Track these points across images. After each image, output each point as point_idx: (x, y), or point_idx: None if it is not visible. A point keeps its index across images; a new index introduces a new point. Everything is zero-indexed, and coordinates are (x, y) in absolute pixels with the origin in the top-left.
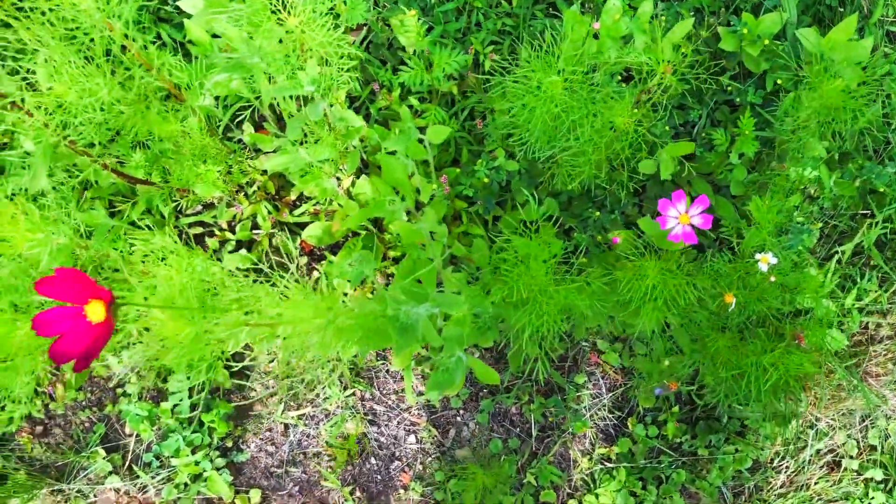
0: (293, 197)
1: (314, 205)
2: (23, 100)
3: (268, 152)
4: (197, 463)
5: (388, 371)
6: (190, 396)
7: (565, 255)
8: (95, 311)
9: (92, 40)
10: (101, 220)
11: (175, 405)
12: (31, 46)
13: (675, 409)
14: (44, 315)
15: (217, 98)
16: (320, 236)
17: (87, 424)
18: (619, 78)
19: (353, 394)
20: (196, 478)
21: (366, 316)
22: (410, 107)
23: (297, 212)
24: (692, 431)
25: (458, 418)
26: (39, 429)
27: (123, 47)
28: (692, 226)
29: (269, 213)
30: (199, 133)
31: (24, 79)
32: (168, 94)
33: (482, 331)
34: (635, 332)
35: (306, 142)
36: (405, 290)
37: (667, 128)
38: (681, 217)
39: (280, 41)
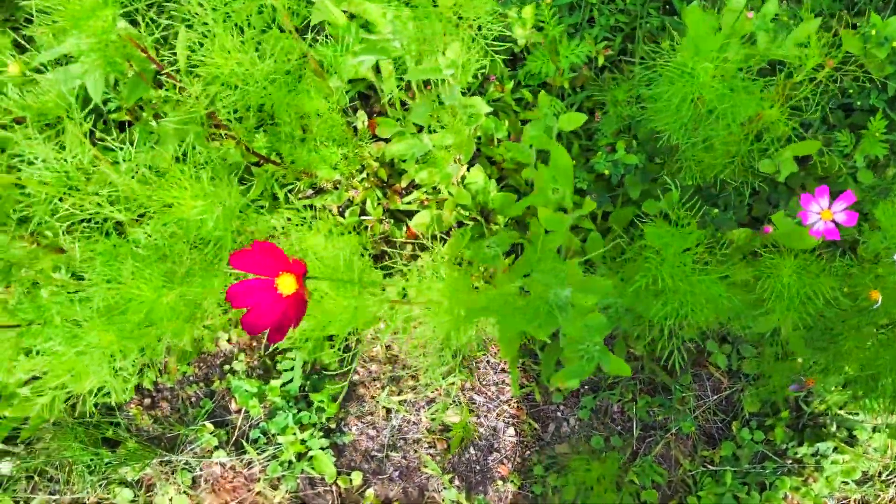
0: (403, 185)
1: (424, 193)
2: (176, 70)
3: (384, 139)
4: (303, 441)
5: (488, 362)
6: (301, 375)
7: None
8: (286, 284)
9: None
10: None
11: (284, 383)
12: (181, 16)
13: (785, 413)
14: (236, 286)
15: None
16: (428, 224)
17: (193, 399)
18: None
19: (453, 383)
20: (301, 456)
21: (502, 298)
22: (520, 99)
23: (406, 199)
24: (799, 438)
25: (559, 413)
26: (148, 401)
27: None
28: (835, 222)
29: (379, 200)
30: (333, 115)
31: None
32: (300, 75)
33: (611, 322)
34: (764, 332)
35: (425, 129)
36: (547, 272)
37: (786, 127)
38: (823, 213)
39: (418, 25)
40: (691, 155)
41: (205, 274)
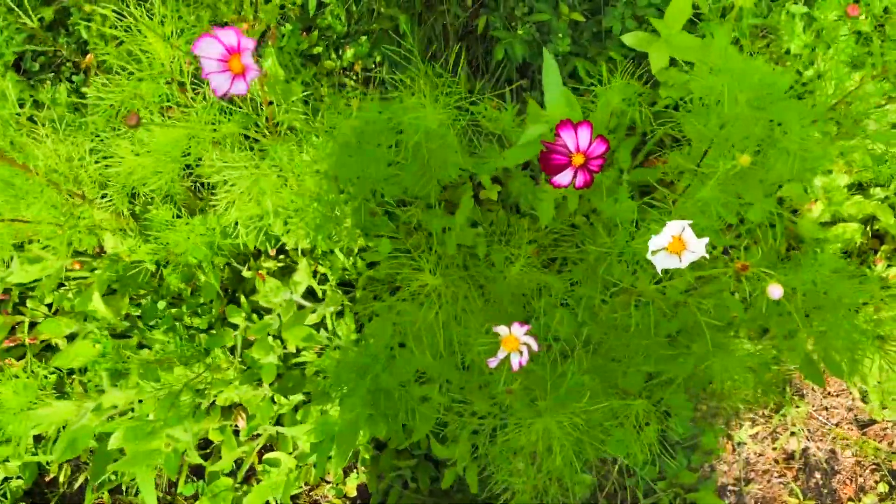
0: None
1: None
2: None
3: None
4: (676, 485)
5: (813, 388)
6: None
7: None
8: None
9: None
10: None
11: (662, 430)
12: None
13: None
14: None
15: None
16: None
17: None
18: None
19: (785, 414)
20: (676, 497)
21: None
22: None
23: None
24: None
25: (889, 431)
26: None
27: None
28: None
29: None
30: None
31: None
32: None
33: None
34: None
35: None
36: None
37: None
38: None
39: None
40: None
41: None
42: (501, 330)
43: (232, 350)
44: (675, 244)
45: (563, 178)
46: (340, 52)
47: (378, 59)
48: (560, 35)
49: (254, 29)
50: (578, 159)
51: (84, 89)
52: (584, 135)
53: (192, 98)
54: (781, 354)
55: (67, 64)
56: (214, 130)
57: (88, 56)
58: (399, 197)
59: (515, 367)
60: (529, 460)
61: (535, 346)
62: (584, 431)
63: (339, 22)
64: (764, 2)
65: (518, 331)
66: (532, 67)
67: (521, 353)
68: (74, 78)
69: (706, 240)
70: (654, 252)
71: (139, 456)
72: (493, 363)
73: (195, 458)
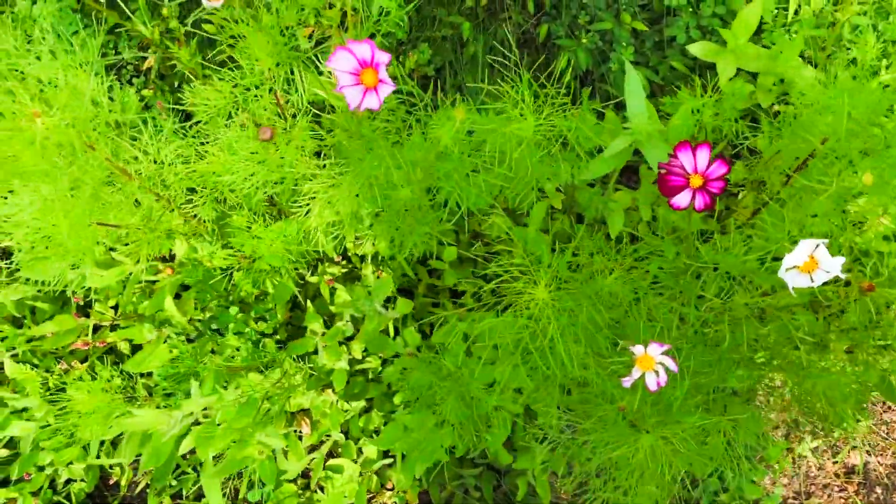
0: None
1: None
2: None
3: None
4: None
5: (872, 402)
6: None
7: None
8: None
9: None
10: None
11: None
12: None
13: None
14: None
15: None
16: None
17: None
18: None
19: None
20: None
21: None
22: None
23: None
24: None
25: None
26: None
27: None
28: None
29: None
30: None
31: None
32: None
33: None
34: None
35: None
36: None
37: None
38: None
39: None
40: None
41: None
42: (637, 349)
43: (301, 356)
44: (809, 263)
45: (682, 199)
46: (402, 59)
47: (438, 65)
48: (623, 44)
49: (314, 35)
50: (696, 181)
51: (145, 92)
52: (703, 156)
53: (282, 104)
54: (847, 370)
55: (128, 67)
56: (321, 140)
57: (149, 59)
58: (481, 206)
59: (653, 387)
60: (629, 475)
61: (672, 366)
62: (690, 448)
63: (400, 29)
64: (824, 13)
65: (655, 350)
66: (592, 76)
67: (656, 372)
68: (135, 80)
69: (842, 259)
70: (787, 269)
71: (233, 464)
72: (627, 382)
73: (284, 464)
